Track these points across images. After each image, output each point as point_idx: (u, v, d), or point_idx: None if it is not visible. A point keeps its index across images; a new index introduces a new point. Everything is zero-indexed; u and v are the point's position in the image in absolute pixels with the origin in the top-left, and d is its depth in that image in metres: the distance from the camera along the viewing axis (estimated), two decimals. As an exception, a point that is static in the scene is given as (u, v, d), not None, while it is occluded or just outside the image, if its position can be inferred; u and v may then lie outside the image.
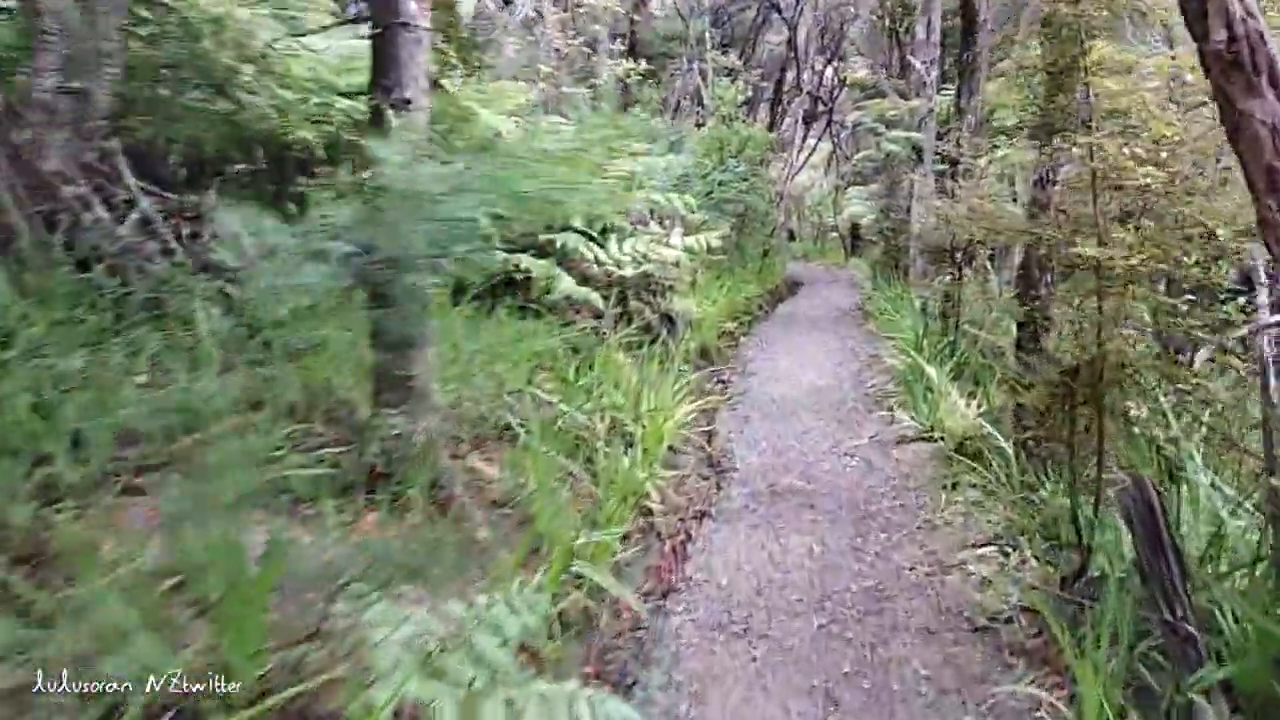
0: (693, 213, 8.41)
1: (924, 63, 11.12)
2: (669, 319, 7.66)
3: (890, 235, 11.68)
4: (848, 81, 21.59)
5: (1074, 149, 3.38)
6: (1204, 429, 4.16)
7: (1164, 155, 3.26)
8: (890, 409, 6.89)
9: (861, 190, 26.79)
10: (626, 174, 8.42)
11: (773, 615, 3.94)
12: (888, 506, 5.06)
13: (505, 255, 6.35)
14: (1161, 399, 3.73)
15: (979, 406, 5.74)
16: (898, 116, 11.68)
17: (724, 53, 16.61)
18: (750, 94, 17.86)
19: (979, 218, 5.98)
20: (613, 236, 7.23)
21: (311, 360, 4.45)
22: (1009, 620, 3.59)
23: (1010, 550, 4.13)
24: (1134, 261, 3.13)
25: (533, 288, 6.53)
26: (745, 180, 13.19)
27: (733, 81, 14.70)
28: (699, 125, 14.17)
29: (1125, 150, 3.20)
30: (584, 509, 4.42)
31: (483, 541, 3.67)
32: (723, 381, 8.61)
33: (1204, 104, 3.10)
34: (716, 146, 13.72)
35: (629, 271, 6.88)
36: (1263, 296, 5.98)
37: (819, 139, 23.93)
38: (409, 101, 3.70)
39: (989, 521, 4.49)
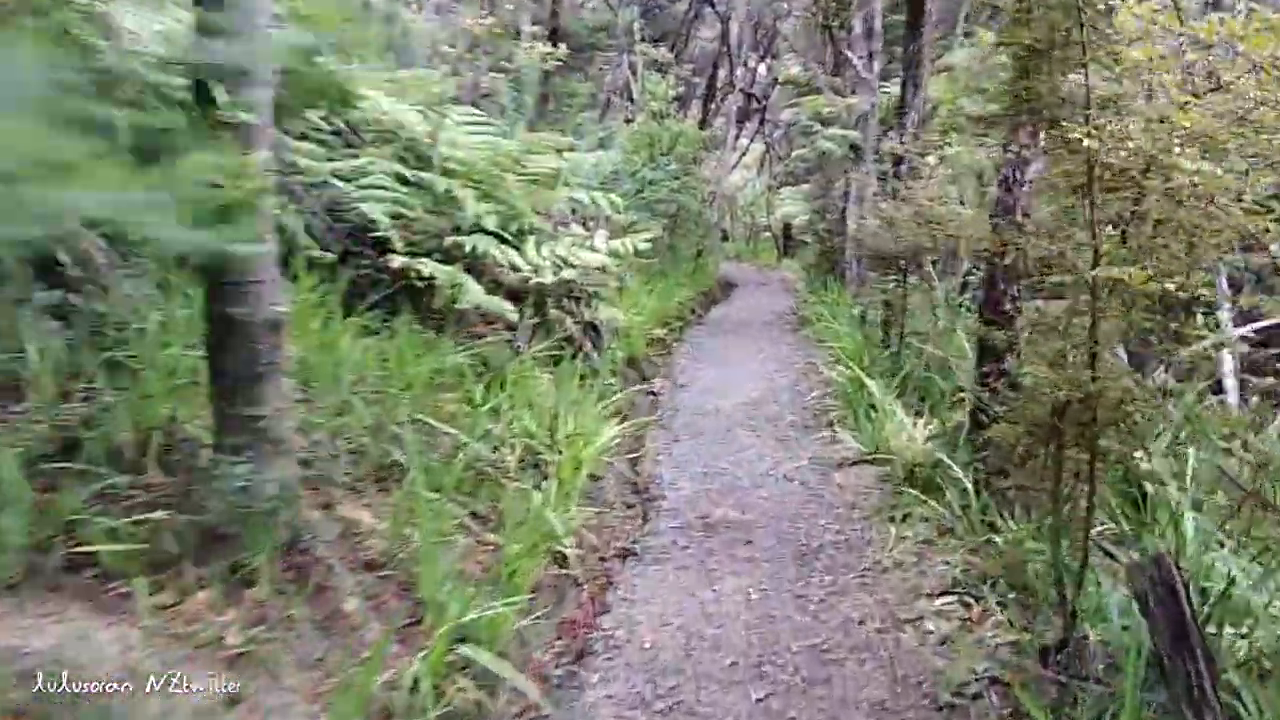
0: (619, 213, 7.82)
1: (861, 58, 10.69)
2: (593, 329, 7.05)
3: (825, 237, 11.23)
4: (781, 79, 21.23)
5: (1065, 140, 2.85)
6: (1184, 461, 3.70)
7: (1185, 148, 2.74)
8: (831, 426, 6.38)
9: (795, 190, 26.56)
10: (548, 171, 7.83)
11: (704, 686, 3.36)
12: (831, 542, 4.52)
13: (405, 260, 5.70)
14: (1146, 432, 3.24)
15: (928, 428, 5.25)
16: (834, 114, 11.25)
17: (655, 46, 16.04)
18: (682, 90, 17.34)
19: (929, 221, 5.49)
20: (530, 239, 6.59)
21: (160, 386, 3.73)
22: (977, 696, 3.06)
23: (972, 600, 3.62)
24: (1140, 276, 2.61)
25: (436, 297, 5.85)
26: (677, 179, 12.66)
27: (663, 76, 14.15)
28: (628, 121, 13.58)
29: (1149, 139, 2.67)
30: (484, 561, 3.79)
31: (350, 616, 3.02)
32: (653, 394, 8.03)
33: (1217, 89, 2.59)
34: (647, 143, 13.17)
35: (548, 278, 6.24)
36: (1225, 311, 5.62)
37: (752, 138, 23.55)
38: (245, 73, 3.02)
39: (945, 563, 3.97)
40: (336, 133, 7.14)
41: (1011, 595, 3.52)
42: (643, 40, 16.04)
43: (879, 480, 5.08)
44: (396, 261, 5.67)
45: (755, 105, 20.24)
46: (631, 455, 5.97)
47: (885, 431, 5.39)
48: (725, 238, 26.99)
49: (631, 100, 14.70)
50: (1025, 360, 3.23)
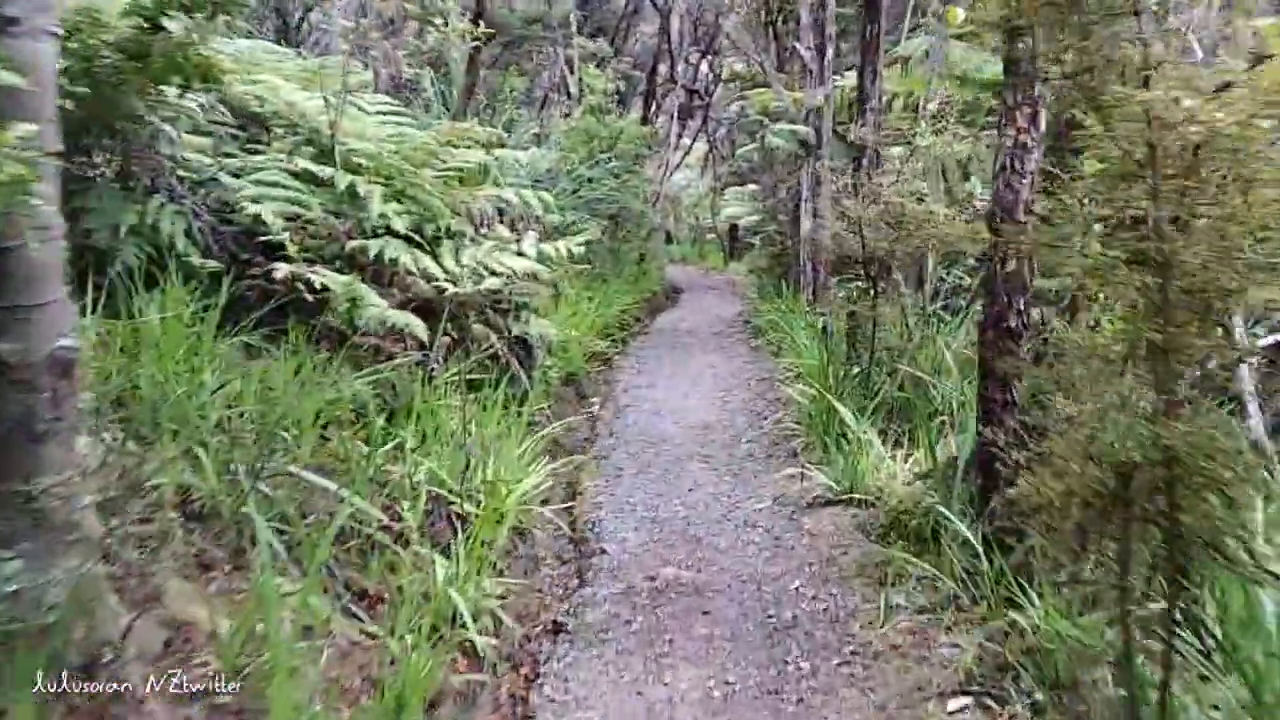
0: (552, 213, 6.98)
1: (809, 49, 9.98)
2: (523, 345, 6.20)
3: (777, 240, 10.51)
4: (724, 76, 20.56)
5: (1109, 110, 2.10)
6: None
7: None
8: (795, 456, 5.62)
9: (739, 190, 25.97)
10: (471, 166, 6.96)
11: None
12: (808, 613, 3.73)
13: (293, 268, 4.82)
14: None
15: (911, 463, 4.51)
16: (782, 109, 10.53)
17: (593, 39, 15.24)
18: (622, 85, 16.55)
19: (899, 221, 4.76)
20: (448, 243, 5.73)
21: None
22: None
23: (994, 702, 2.86)
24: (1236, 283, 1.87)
25: (332, 312, 4.96)
26: (618, 177, 11.85)
27: (602, 70, 13.34)
28: (565, 116, 12.73)
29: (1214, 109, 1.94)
30: (367, 665, 2.93)
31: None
32: (593, 417, 7.21)
33: None
34: (585, 140, 12.34)
35: (468, 287, 5.39)
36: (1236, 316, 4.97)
37: (695, 137, 22.87)
38: (12, 21, 2.15)
39: (954, 646, 3.21)
40: (242, 127, 6.28)
41: (1045, 696, 2.77)
42: (580, 33, 15.23)
43: (857, 527, 4.31)
44: (281, 270, 4.78)
45: (698, 102, 19.53)
46: (567, 498, 5.13)
47: (861, 466, 4.64)
48: (669, 240, 26.30)
49: (568, 95, 13.86)
50: (1058, 397, 2.48)
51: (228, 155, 5.93)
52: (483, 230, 6.09)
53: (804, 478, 5.10)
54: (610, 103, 12.71)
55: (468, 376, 5.44)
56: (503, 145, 9.28)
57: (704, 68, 20.83)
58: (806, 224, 9.56)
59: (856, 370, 5.72)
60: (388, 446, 4.36)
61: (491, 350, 5.73)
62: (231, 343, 4.71)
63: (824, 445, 5.45)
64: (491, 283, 5.43)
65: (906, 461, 4.60)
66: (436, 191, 5.94)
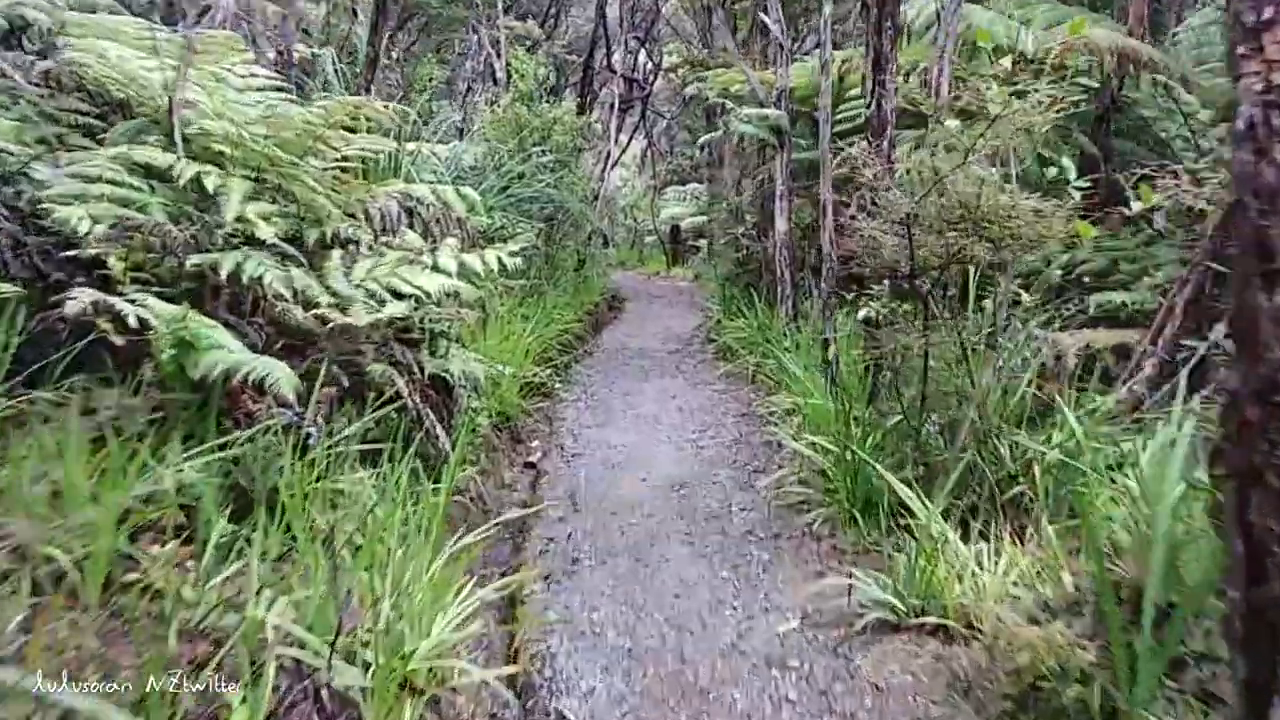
0: (478, 214, 5.49)
1: (777, 21, 8.62)
2: (442, 388, 4.68)
3: (745, 244, 9.10)
4: (664, 65, 19.19)
5: None
6: None
7: None
8: (817, 540, 4.20)
9: (681, 189, 24.64)
10: (372, 155, 5.44)
11: None
12: None
13: (96, 296, 3.30)
14: None
15: (1012, 570, 3.12)
16: (747, 92, 9.16)
17: (521, 21, 13.72)
18: (554, 73, 15.06)
19: (983, 217, 3.38)
20: (336, 257, 4.19)
21: None
22: None
23: None
24: None
25: (160, 358, 3.40)
26: (553, 171, 10.34)
27: (532, 54, 11.83)
28: (491, 104, 11.19)
29: None
30: None
31: None
32: (534, 472, 5.72)
33: None
34: (514, 131, 10.81)
35: (362, 316, 3.86)
36: None
37: (633, 133, 21.46)
38: None
39: None
40: (100, 116, 4.78)
41: None
42: (507, 14, 13.70)
43: (952, 684, 2.89)
44: (77, 301, 3.25)
45: (637, 92, 18.11)
46: (504, 616, 3.64)
47: (935, 572, 3.23)
48: (607, 243, 24.85)
49: (494, 81, 12.30)
50: None
51: (43, 142, 4.36)
52: (386, 238, 4.55)
53: (836, 571, 3.67)
54: (543, 90, 11.21)
55: (362, 441, 3.94)
56: (412, 125, 7.76)
57: (642, 57, 19.44)
58: (781, 225, 8.18)
59: (897, 423, 4.29)
60: (227, 571, 2.85)
61: (399, 399, 4.20)
62: (17, 406, 3.23)
63: (857, 525, 4.04)
64: (395, 308, 3.90)
65: (1000, 564, 3.20)
66: (324, 187, 4.40)
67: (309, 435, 3.55)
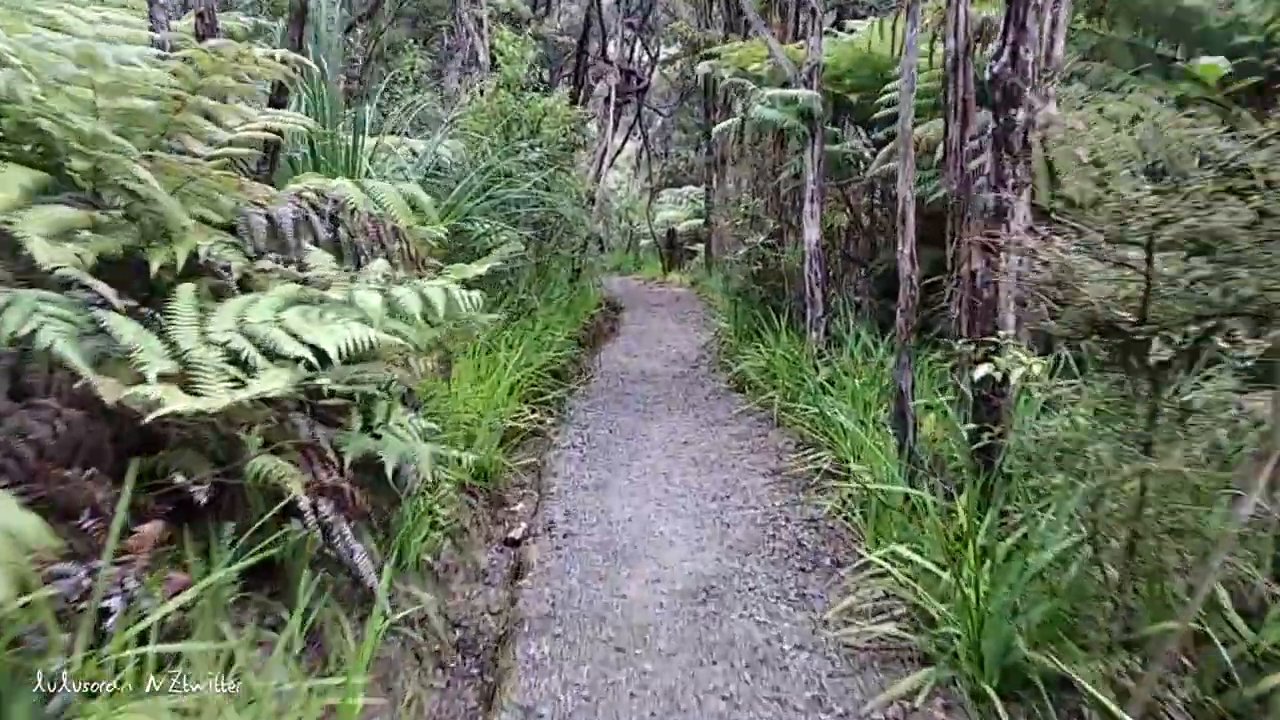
0: (431, 223, 3.99)
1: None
2: (372, 478, 3.16)
3: (762, 255, 7.54)
4: (660, 57, 17.67)
5: None
6: None
7: None
8: (945, 710, 2.69)
9: (678, 192, 23.11)
10: (258, 135, 3.91)
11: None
12: None
13: None
14: None
15: None
16: (763, 71, 7.66)
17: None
18: (545, 57, 13.51)
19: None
20: (186, 294, 2.64)
21: None
22: None
23: None
24: None
25: None
26: (542, 169, 8.81)
27: (521, 35, 10.27)
28: (471, 91, 9.65)
29: None
30: None
31: None
32: (514, 546, 4.24)
33: None
34: (501, 124, 9.27)
35: (218, 398, 2.32)
36: None
37: (629, 132, 19.93)
38: None
39: None
40: None
41: None
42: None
43: None
44: None
45: (635, 85, 16.56)
46: None
47: None
48: (602, 247, 23.32)
49: (477, 64, 10.74)
50: None
51: None
52: (281, 260, 3.01)
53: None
54: (533, 76, 9.68)
55: (245, 576, 2.45)
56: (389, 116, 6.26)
57: (638, 50, 17.91)
58: (812, 233, 6.67)
59: (1074, 569, 2.74)
60: None
61: (296, 509, 2.66)
62: None
63: (994, 713, 2.53)
64: (272, 381, 2.37)
65: None
66: (173, 181, 2.87)
67: (104, 612, 2.03)
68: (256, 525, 2.59)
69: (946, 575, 3.06)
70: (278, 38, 6.96)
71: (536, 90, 10.21)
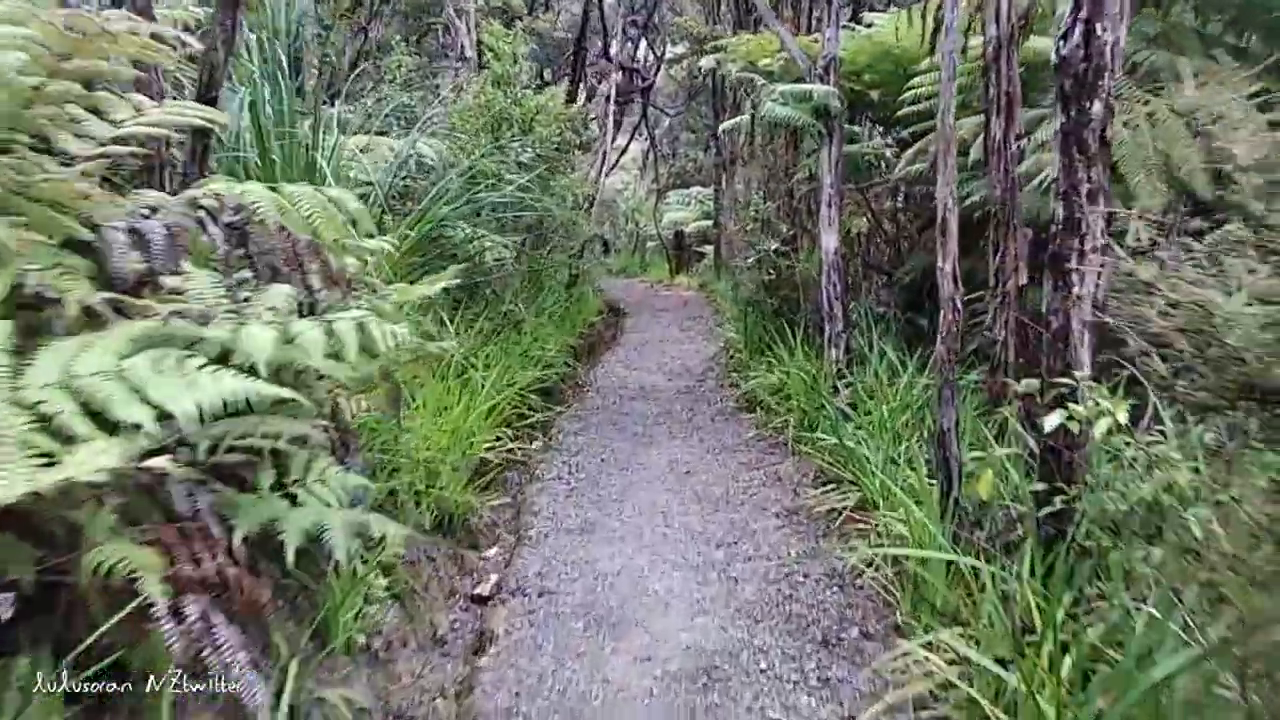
0: (367, 235, 3.32)
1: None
2: (274, 565, 2.48)
3: (774, 263, 6.81)
4: (666, 56, 16.97)
5: None
6: None
7: None
8: None
9: (685, 193, 22.39)
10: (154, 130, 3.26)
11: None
12: None
13: None
14: None
15: None
16: (774, 66, 6.97)
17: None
18: (543, 54, 12.85)
19: None
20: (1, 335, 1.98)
21: None
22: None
23: None
24: None
25: None
26: (533, 169, 8.14)
27: (512, 29, 9.61)
28: (457, 89, 9.01)
29: None
30: None
31: None
32: (481, 604, 3.57)
33: None
34: (490, 124, 8.62)
35: (11, 485, 1.64)
36: None
37: (634, 132, 19.26)
38: None
39: None
40: None
41: None
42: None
43: None
44: None
45: (639, 83, 15.88)
46: None
47: None
48: (607, 249, 22.64)
49: (464, 59, 10.08)
50: None
51: None
52: (150, 286, 2.33)
53: None
54: (522, 72, 9.00)
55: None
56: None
57: (642, 48, 17.25)
58: (830, 240, 5.97)
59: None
60: None
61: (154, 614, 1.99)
62: None
63: None
64: (93, 462, 1.70)
65: None
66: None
67: None
68: (94, 637, 1.93)
69: (1013, 679, 2.37)
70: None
71: (530, 87, 9.55)
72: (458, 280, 3.60)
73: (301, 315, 2.79)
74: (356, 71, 12.53)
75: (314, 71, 8.61)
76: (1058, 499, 2.83)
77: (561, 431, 6.13)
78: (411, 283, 6.28)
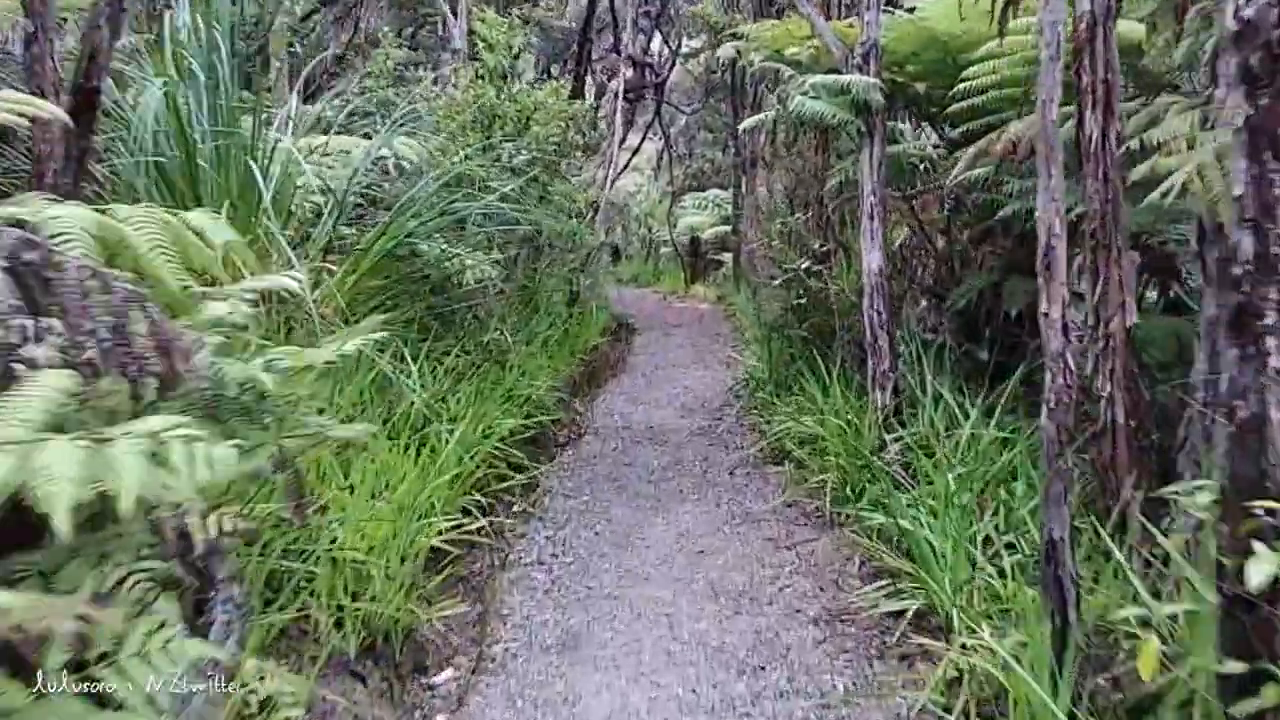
0: (239, 257, 2.31)
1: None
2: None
3: (806, 282, 5.70)
4: (682, 50, 15.93)
5: None
6: None
7: None
8: None
9: (701, 196, 21.32)
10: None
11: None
12: None
13: None
14: None
15: None
16: (803, 55, 5.94)
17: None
18: (549, 48, 11.85)
19: None
20: None
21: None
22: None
23: None
24: None
25: None
26: (529, 174, 7.15)
27: (505, 14, 8.61)
28: (443, 82, 8.05)
29: None
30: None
31: None
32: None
33: None
34: (479, 122, 7.64)
35: None
36: None
37: (647, 131, 18.24)
38: None
39: None
40: None
41: None
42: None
43: None
44: None
45: (651, 78, 14.85)
46: None
47: None
48: (617, 256, 21.64)
49: (454, 51, 9.07)
50: None
51: None
52: None
53: None
54: (525, 69, 8.03)
55: None
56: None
57: (656, 41, 16.23)
58: (874, 258, 4.92)
59: None
60: None
61: None
62: None
63: None
64: None
65: None
66: None
67: None
68: None
69: None
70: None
71: (532, 84, 8.56)
72: (356, 347, 2.58)
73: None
74: (340, 65, 11.58)
75: (278, 64, 7.64)
76: (1269, 690, 1.80)
77: (549, 493, 5.10)
78: (377, 308, 5.30)
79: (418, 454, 4.03)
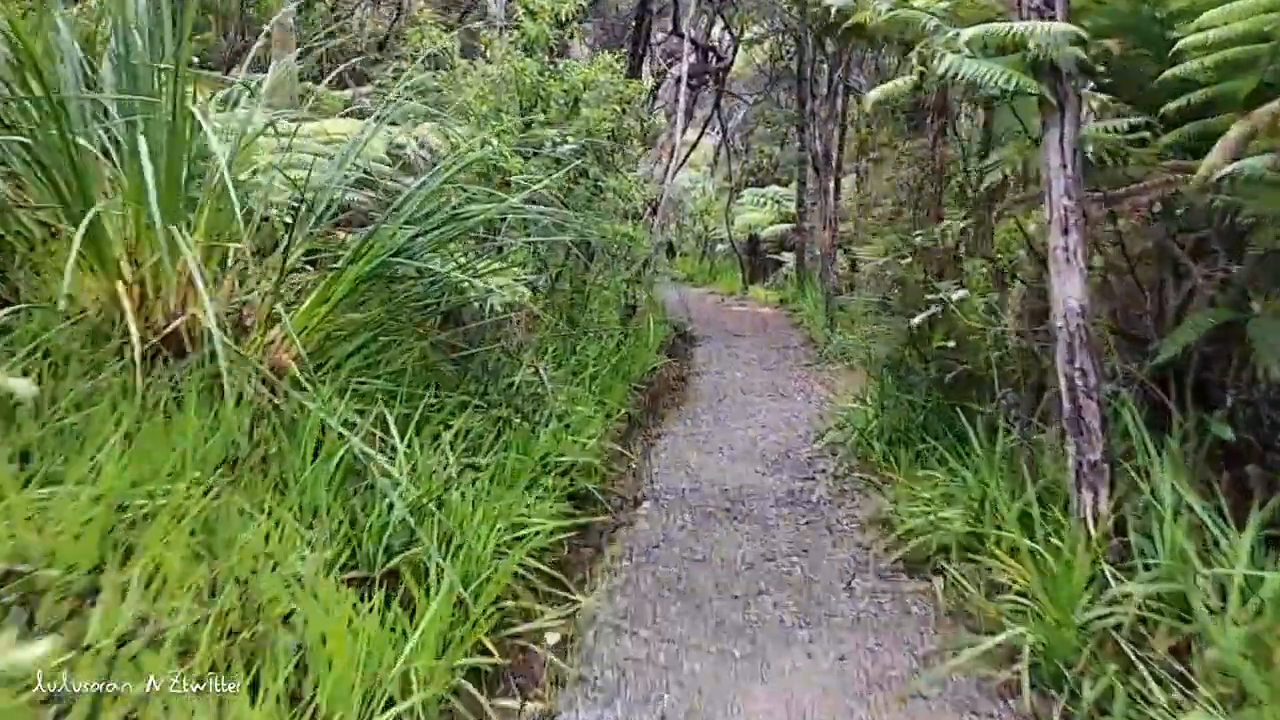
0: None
1: None
2: None
3: (950, 324, 3.89)
4: (744, 36, 14.09)
5: None
6: None
7: None
8: None
9: (760, 192, 19.44)
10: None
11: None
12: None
13: None
14: None
15: None
16: (942, 6, 4.20)
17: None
18: (605, 32, 10.14)
19: None
20: None
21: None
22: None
23: None
24: None
25: None
26: (581, 167, 5.49)
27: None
28: (467, 59, 6.40)
29: None
30: None
31: None
32: None
33: None
34: (520, 103, 6.03)
35: None
36: None
37: (707, 122, 16.44)
38: None
39: None
40: None
41: None
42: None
43: None
44: None
45: (716, 63, 13.03)
46: None
47: None
48: (672, 253, 19.90)
49: (486, 19, 7.40)
50: None
51: None
52: None
53: None
54: (565, 33, 6.34)
55: None
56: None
57: (717, 28, 14.39)
58: (1073, 287, 3.16)
59: None
60: None
61: None
62: None
63: None
64: None
65: None
66: None
67: None
68: None
69: None
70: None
71: (566, 57, 6.86)
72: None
73: None
74: (381, 52, 10.00)
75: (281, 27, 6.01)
76: None
77: (592, 626, 3.36)
78: (358, 351, 3.67)
79: (383, 618, 2.37)
